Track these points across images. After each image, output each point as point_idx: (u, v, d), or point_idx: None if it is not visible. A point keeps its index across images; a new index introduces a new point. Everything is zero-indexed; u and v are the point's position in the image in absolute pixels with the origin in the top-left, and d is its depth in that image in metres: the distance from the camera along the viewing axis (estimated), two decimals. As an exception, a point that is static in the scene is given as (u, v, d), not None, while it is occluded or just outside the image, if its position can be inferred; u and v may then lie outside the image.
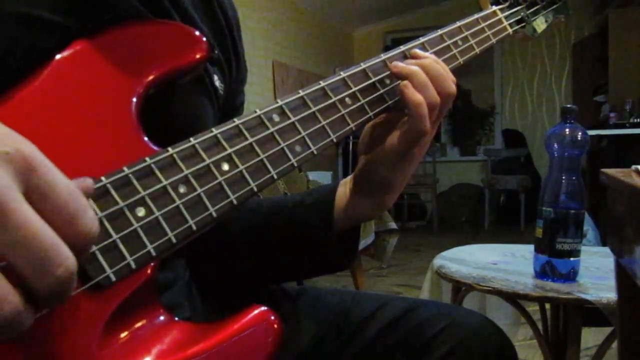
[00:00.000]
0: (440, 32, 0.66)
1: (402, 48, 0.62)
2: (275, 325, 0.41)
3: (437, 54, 0.64)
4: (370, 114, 0.55)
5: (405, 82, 0.55)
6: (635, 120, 3.82)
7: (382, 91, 0.57)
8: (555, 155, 1.02)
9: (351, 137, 3.86)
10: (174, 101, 0.54)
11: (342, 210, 0.63)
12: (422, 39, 0.64)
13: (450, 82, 0.57)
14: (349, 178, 0.65)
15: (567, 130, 1.02)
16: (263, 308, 0.42)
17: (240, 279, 0.69)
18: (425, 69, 0.56)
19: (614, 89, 4.26)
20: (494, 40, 0.71)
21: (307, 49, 5.42)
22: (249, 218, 0.65)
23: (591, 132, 3.18)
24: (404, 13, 6.25)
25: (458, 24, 0.69)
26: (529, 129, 6.02)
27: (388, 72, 0.58)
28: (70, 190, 0.29)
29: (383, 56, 0.59)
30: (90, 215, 0.30)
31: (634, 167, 0.63)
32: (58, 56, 0.43)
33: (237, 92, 0.70)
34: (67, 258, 0.28)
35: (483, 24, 0.71)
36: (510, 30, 0.75)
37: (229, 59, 0.66)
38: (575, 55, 5.44)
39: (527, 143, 5.94)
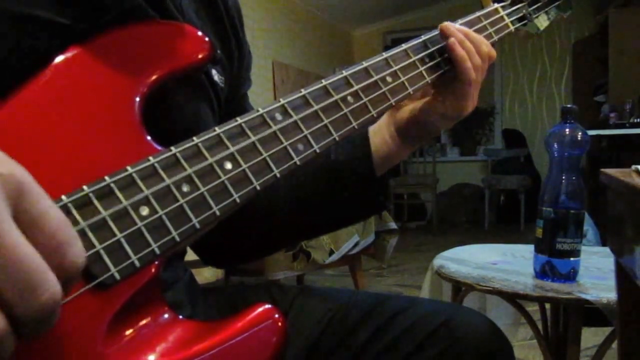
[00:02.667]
0: (404, 46, 0.65)
1: (404, 46, 0.62)
2: (280, 324, 0.41)
3: (439, 52, 0.64)
4: (373, 112, 0.56)
5: (453, 39, 0.63)
6: (635, 120, 3.81)
7: (384, 89, 0.57)
8: (555, 155, 1.03)
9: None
10: (172, 101, 0.54)
11: (380, 157, 0.67)
12: (423, 37, 0.64)
13: (486, 46, 0.66)
14: (383, 126, 0.69)
15: (567, 130, 1.02)
16: (267, 306, 0.42)
17: (285, 235, 0.73)
18: (465, 34, 0.65)
19: (614, 89, 4.25)
20: (496, 38, 0.71)
21: (307, 49, 5.42)
22: (290, 186, 0.68)
23: (591, 132, 3.17)
24: (404, 13, 6.24)
25: (460, 21, 0.69)
26: (529, 129, 6.02)
27: (390, 70, 0.59)
28: (60, 219, 0.29)
29: (385, 54, 0.60)
30: (78, 247, 0.30)
31: (634, 167, 0.63)
32: (61, 56, 0.43)
33: (243, 80, 0.70)
34: (52, 285, 0.28)
35: (485, 22, 0.71)
36: (512, 28, 0.75)
37: (230, 50, 0.66)
38: (575, 55, 5.43)
39: (527, 143, 5.94)
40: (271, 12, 4.74)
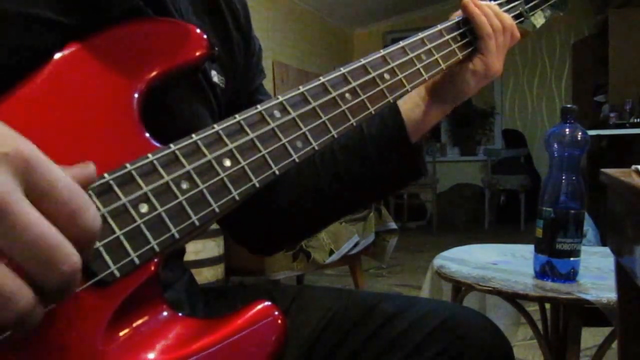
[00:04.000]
0: (439, 27, 0.67)
1: (402, 43, 0.62)
2: (280, 321, 0.41)
3: (436, 49, 0.64)
4: (371, 109, 0.56)
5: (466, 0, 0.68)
6: (635, 120, 3.82)
7: (382, 86, 0.57)
8: (555, 155, 1.03)
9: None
10: (171, 101, 0.54)
11: (413, 122, 0.69)
12: (421, 35, 0.65)
13: (508, 19, 0.70)
14: (413, 91, 0.69)
15: (567, 130, 1.02)
16: (267, 303, 0.42)
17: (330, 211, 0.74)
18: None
19: (614, 89, 4.26)
20: None
21: (307, 49, 5.42)
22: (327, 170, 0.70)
23: (591, 132, 3.18)
24: (404, 13, 6.25)
25: (456, 19, 0.69)
26: (529, 129, 6.02)
27: (388, 67, 0.59)
28: (71, 187, 0.30)
29: (382, 52, 0.60)
30: (92, 212, 0.30)
31: (634, 167, 0.63)
32: (59, 54, 0.43)
33: (254, 74, 0.71)
34: (71, 255, 0.29)
35: None
36: None
37: (232, 49, 0.66)
38: (575, 55, 5.43)
39: (527, 143, 5.94)
40: (271, 12, 4.74)
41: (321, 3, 5.40)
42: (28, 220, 0.27)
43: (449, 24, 0.68)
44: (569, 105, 1.05)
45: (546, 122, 5.94)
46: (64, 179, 0.30)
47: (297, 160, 0.48)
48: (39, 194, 0.28)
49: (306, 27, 5.42)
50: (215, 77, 0.61)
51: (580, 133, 1.02)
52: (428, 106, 0.70)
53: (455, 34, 0.67)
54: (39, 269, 0.28)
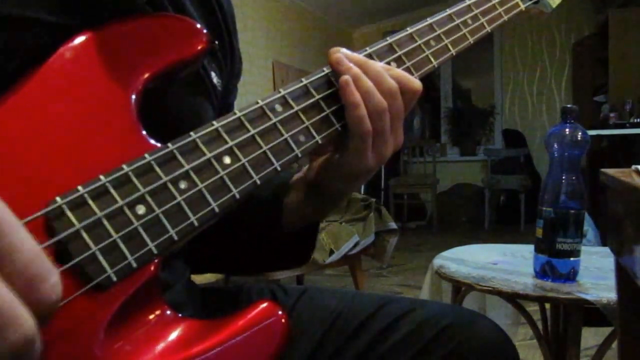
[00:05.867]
0: (449, 11, 0.64)
1: (410, 30, 0.61)
2: (283, 320, 0.41)
3: (446, 34, 0.62)
4: None
5: (347, 77, 0.51)
6: (635, 120, 3.82)
7: None
8: (555, 155, 1.02)
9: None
10: (174, 99, 0.54)
11: (294, 211, 0.63)
12: (429, 20, 0.62)
13: (388, 79, 0.52)
14: (301, 179, 0.62)
15: (567, 130, 1.02)
16: (270, 303, 0.42)
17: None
18: (364, 68, 0.52)
19: (614, 89, 4.26)
20: (505, 18, 0.68)
21: (307, 49, 5.42)
22: None
23: (591, 132, 3.17)
24: (403, 13, 6.24)
25: (467, 2, 0.66)
26: (529, 129, 6.02)
27: (393, 56, 0.57)
28: (34, 252, 0.28)
29: (389, 39, 0.59)
30: (51, 281, 0.28)
31: (634, 167, 0.63)
32: (56, 52, 0.42)
33: (231, 88, 0.69)
34: (24, 322, 0.26)
35: (494, 1, 0.68)
36: (522, 7, 0.71)
37: (225, 54, 0.65)
38: (575, 55, 5.43)
39: (527, 143, 5.94)
40: (271, 12, 4.74)
41: (321, 3, 5.40)
42: None
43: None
44: (569, 105, 1.04)
45: (546, 122, 5.94)
46: (27, 242, 0.28)
47: (299, 155, 0.47)
48: None
49: (306, 27, 5.42)
50: (214, 78, 0.61)
51: (580, 133, 1.02)
52: (304, 203, 0.62)
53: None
54: None
